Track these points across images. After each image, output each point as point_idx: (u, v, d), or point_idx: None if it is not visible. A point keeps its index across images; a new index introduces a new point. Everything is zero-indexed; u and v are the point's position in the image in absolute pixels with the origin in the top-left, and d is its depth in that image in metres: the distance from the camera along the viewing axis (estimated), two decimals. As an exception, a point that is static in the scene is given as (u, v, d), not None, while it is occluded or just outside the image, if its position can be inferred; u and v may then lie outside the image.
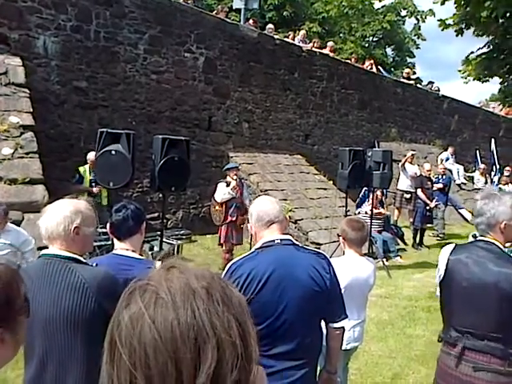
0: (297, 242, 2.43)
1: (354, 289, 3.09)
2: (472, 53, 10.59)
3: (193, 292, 0.72)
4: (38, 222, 2.18)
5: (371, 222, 8.62)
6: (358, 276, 3.15)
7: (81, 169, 7.31)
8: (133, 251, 2.60)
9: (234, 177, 7.31)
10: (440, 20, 12.60)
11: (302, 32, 13.80)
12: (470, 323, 2.38)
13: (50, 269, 2.06)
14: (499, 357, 2.31)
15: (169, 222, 9.73)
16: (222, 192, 7.15)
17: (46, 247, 2.21)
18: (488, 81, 10.99)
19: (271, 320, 2.23)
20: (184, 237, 9.16)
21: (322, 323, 2.45)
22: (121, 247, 2.61)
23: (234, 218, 7.20)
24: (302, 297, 2.24)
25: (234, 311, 0.74)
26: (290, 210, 9.41)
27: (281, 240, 2.35)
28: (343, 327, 2.49)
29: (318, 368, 2.71)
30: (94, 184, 7.08)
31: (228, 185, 7.20)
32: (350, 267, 3.16)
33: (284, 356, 2.26)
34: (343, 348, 3.14)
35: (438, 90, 18.23)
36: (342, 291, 2.52)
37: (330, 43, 14.96)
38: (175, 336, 0.68)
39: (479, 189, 15.93)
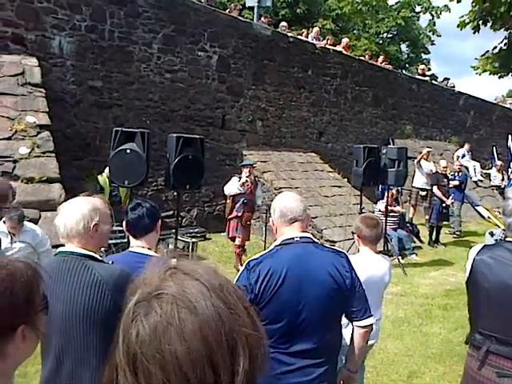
0: (316, 240, 2.42)
1: (370, 286, 3.05)
2: (487, 51, 10.39)
3: (209, 292, 0.71)
4: (55, 220, 2.20)
5: (386, 220, 8.56)
6: (373, 273, 3.13)
7: (100, 179, 7.32)
8: (148, 249, 2.62)
9: (247, 173, 7.34)
10: (459, 20, 12.35)
11: (316, 29, 13.72)
12: (493, 327, 2.29)
13: (67, 266, 2.08)
14: None
15: (183, 220, 9.77)
16: (231, 186, 7.21)
17: (62, 245, 2.23)
18: (502, 77, 10.76)
19: (290, 317, 2.23)
20: (199, 235, 9.21)
21: (344, 320, 2.44)
22: (137, 245, 2.63)
23: (239, 214, 7.23)
24: (321, 295, 2.23)
25: (243, 301, 0.74)
26: (305, 208, 9.39)
27: (300, 238, 2.34)
28: (370, 325, 2.44)
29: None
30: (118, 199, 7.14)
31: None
32: (365, 265, 3.13)
33: (303, 354, 2.25)
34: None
35: (454, 87, 18.02)
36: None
37: (345, 39, 14.88)
38: (208, 342, 0.67)
39: (496, 186, 15.74)
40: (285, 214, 2.38)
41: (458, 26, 10.99)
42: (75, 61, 8.29)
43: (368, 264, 3.16)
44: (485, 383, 2.29)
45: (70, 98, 8.28)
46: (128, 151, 5.20)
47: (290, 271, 2.23)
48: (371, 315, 2.42)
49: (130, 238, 2.69)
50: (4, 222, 4.62)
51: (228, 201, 7.38)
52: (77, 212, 2.15)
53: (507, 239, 2.40)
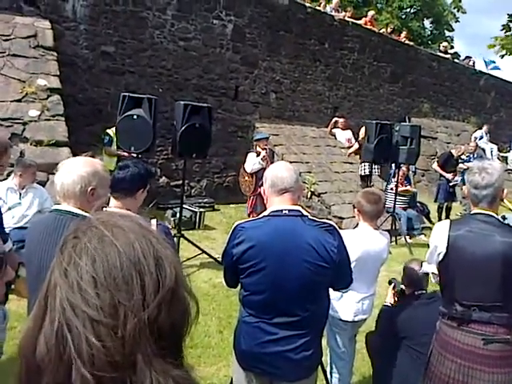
0: (306, 213, 2.32)
1: (366, 262, 3.04)
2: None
3: (137, 224, 0.76)
4: (55, 178, 2.18)
5: (396, 199, 8.48)
6: (369, 249, 3.09)
7: (109, 131, 7.29)
8: (127, 210, 2.56)
9: (265, 147, 7.19)
10: None
11: (336, 0, 13.33)
12: (476, 296, 2.41)
13: (62, 224, 2.05)
14: (505, 326, 2.37)
15: (193, 190, 9.80)
16: (252, 162, 7.02)
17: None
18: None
19: (272, 290, 2.21)
20: (207, 205, 9.21)
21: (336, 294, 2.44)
22: (115, 205, 2.54)
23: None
24: (304, 270, 2.19)
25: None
26: (314, 183, 9.33)
27: (289, 211, 2.27)
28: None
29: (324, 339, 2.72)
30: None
31: (258, 155, 7.11)
32: (363, 240, 3.10)
33: (286, 325, 2.25)
34: (351, 319, 3.13)
35: (474, 66, 17.55)
36: (353, 264, 2.46)
37: (371, 12, 14.48)
38: (136, 251, 0.72)
39: (513, 169, 15.45)
40: (275, 183, 2.31)
41: None
42: (88, 25, 8.22)
43: (365, 239, 3.13)
44: (474, 351, 2.40)
45: (82, 63, 8.24)
46: (135, 117, 5.18)
47: (275, 244, 2.19)
48: (349, 285, 2.45)
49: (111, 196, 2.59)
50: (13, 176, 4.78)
51: (248, 178, 7.18)
52: (75, 173, 2.12)
53: (475, 211, 2.53)
